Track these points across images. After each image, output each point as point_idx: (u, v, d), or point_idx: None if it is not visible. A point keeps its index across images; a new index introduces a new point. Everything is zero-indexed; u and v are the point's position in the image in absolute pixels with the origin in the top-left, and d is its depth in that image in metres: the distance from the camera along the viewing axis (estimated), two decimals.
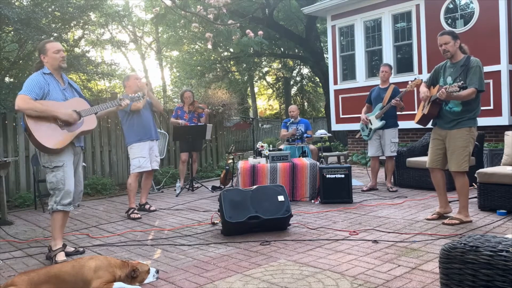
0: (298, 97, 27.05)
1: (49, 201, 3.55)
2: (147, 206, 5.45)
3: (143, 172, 5.31)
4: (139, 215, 5.05)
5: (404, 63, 9.07)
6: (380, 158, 6.33)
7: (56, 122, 3.38)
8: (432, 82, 4.28)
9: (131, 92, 5.25)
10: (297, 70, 24.76)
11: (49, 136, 3.34)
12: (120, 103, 3.87)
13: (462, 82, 3.80)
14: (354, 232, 3.91)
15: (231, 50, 17.76)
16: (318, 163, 5.94)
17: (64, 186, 3.45)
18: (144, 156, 5.19)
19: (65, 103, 3.48)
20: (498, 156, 6.53)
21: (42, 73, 3.47)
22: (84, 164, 4.14)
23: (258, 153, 6.18)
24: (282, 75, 25.13)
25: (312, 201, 5.58)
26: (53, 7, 8.37)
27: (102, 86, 19.16)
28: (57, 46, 3.54)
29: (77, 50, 10.97)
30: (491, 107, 7.56)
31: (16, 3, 8.11)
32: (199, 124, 7.20)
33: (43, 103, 3.35)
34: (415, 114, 4.59)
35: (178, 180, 7.20)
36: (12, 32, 8.35)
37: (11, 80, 9.14)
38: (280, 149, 6.83)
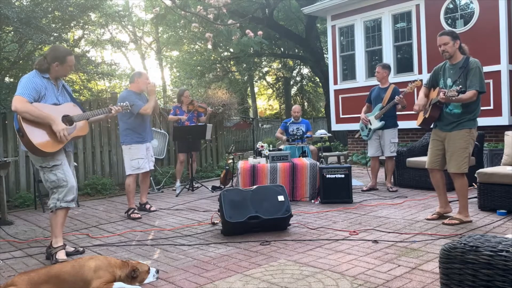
0: (298, 97, 27.06)
1: (50, 200, 3.55)
2: (147, 206, 5.45)
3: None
4: (139, 215, 5.05)
5: (404, 63, 9.07)
6: (380, 158, 6.33)
7: (50, 127, 3.41)
8: (432, 84, 4.27)
9: (137, 90, 5.24)
10: (297, 70, 24.78)
11: (42, 139, 3.36)
12: (110, 111, 3.93)
13: (460, 86, 3.79)
14: (354, 232, 3.91)
15: (231, 50, 17.76)
16: (318, 163, 5.94)
17: (67, 183, 3.49)
18: (143, 157, 5.19)
19: (59, 107, 3.50)
20: (498, 156, 6.53)
21: (41, 76, 3.47)
22: (75, 163, 4.18)
23: (258, 153, 6.17)
24: (282, 75, 25.14)
25: (312, 201, 5.58)
26: (53, 6, 8.36)
27: (102, 86, 19.19)
28: (74, 60, 3.62)
29: (77, 50, 10.99)
30: (491, 107, 7.56)
31: (16, 3, 8.10)
32: (199, 124, 7.20)
33: (39, 108, 3.35)
34: (415, 114, 4.59)
35: (178, 180, 7.19)
36: (12, 32, 8.35)
37: (11, 80, 9.14)
38: (280, 149, 6.83)
